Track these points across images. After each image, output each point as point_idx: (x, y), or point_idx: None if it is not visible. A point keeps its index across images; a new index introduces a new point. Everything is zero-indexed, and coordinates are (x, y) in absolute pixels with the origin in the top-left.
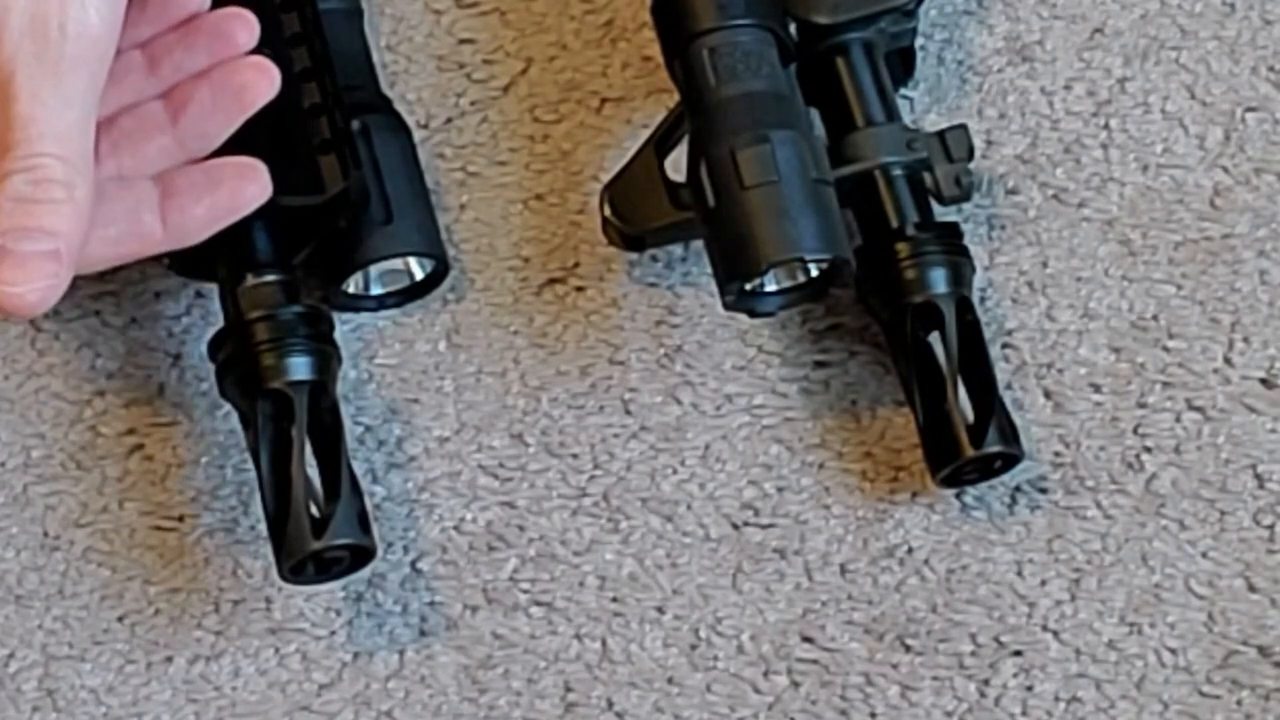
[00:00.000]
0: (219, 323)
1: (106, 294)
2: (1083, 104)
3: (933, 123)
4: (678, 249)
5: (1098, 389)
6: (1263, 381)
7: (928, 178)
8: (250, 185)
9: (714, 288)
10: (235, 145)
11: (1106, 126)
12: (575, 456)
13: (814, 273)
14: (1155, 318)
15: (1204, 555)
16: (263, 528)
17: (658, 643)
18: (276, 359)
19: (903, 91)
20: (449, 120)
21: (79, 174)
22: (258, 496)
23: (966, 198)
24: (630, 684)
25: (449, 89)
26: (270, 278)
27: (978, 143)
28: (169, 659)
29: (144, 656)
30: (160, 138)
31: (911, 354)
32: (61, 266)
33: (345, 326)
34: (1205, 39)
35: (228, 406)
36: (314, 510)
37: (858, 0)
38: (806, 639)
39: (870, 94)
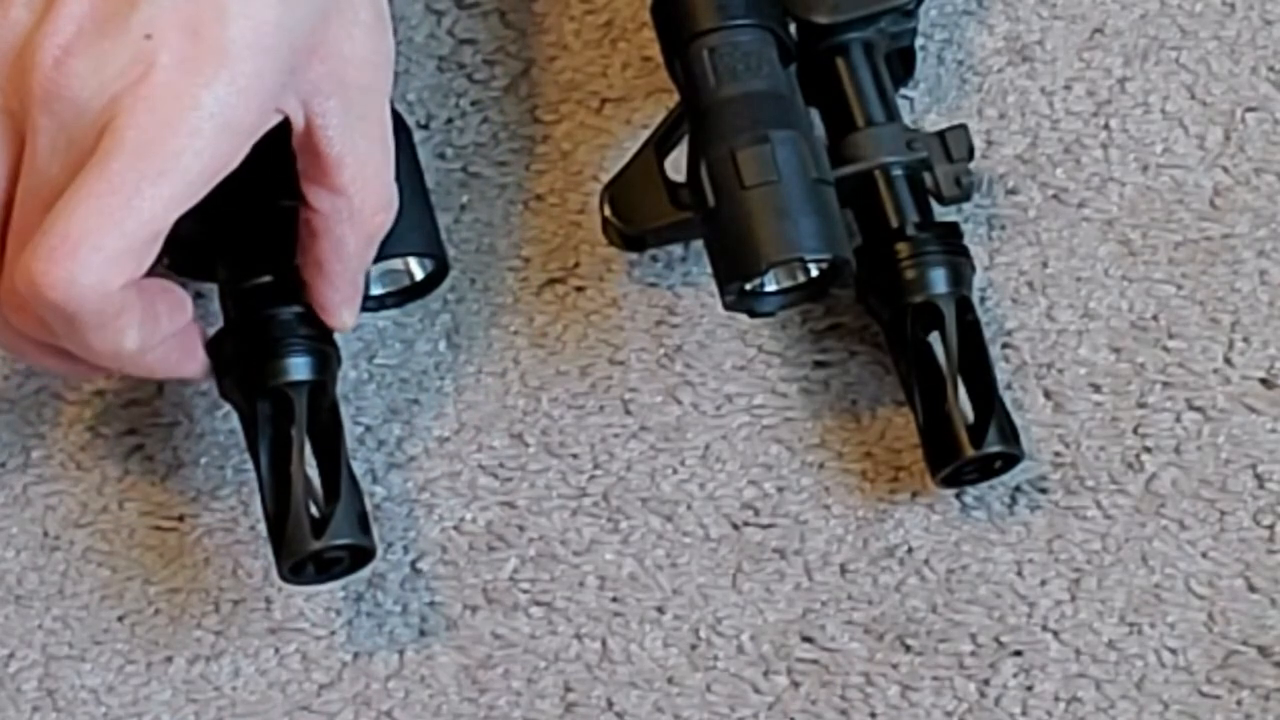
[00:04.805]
0: (219, 323)
1: None
2: (1083, 104)
3: (933, 123)
4: (678, 249)
5: (1098, 389)
6: (1263, 381)
7: (928, 178)
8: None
9: (714, 288)
10: None
11: (1106, 126)
12: (575, 456)
13: (814, 273)
14: (1155, 318)
15: (1204, 555)
16: (263, 528)
17: (658, 643)
18: (276, 359)
19: (903, 91)
20: (449, 120)
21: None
22: (258, 496)
23: (966, 198)
24: (630, 684)
25: (449, 89)
26: (270, 278)
27: (978, 143)
28: (169, 659)
29: (144, 656)
30: None
31: (911, 354)
32: None
33: None
34: (1205, 39)
35: (228, 406)
36: (314, 510)
37: (858, 0)
38: (806, 639)
39: (870, 94)
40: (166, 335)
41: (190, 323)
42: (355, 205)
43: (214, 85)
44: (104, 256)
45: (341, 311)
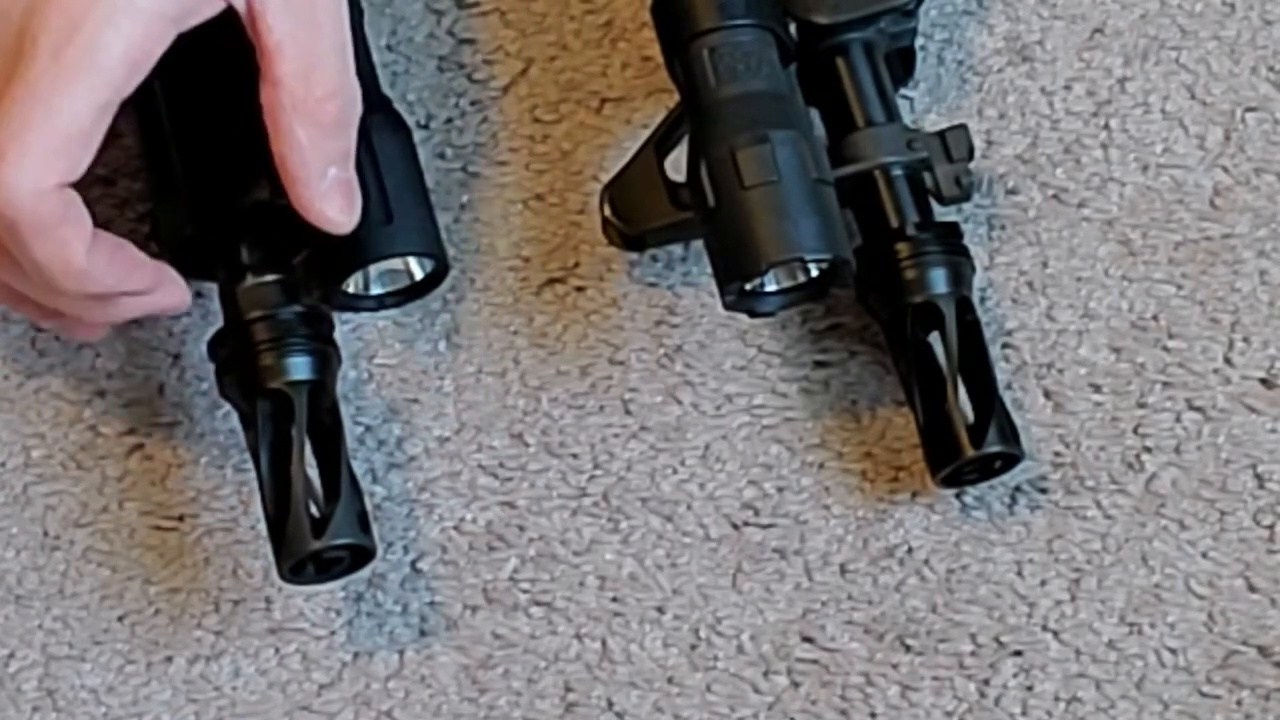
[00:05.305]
0: (219, 323)
1: None
2: (1083, 104)
3: (933, 123)
4: (678, 249)
5: (1098, 389)
6: (1263, 381)
7: (928, 178)
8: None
9: (714, 288)
10: (234, 145)
11: (1106, 126)
12: (575, 456)
13: (814, 273)
14: (1155, 318)
15: (1204, 555)
16: (263, 528)
17: (658, 643)
18: (276, 359)
19: (903, 91)
20: (449, 120)
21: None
22: (258, 496)
23: (966, 198)
24: (630, 684)
25: (449, 89)
26: (270, 278)
27: (978, 143)
28: (169, 659)
29: (144, 656)
30: None
31: (911, 354)
32: None
33: (345, 326)
34: (1205, 39)
35: (228, 406)
36: (314, 510)
37: (858, 0)
38: (806, 639)
39: (870, 94)
40: (120, 276)
41: (151, 259)
42: (299, 95)
43: None
44: (32, 158)
45: (321, 208)
